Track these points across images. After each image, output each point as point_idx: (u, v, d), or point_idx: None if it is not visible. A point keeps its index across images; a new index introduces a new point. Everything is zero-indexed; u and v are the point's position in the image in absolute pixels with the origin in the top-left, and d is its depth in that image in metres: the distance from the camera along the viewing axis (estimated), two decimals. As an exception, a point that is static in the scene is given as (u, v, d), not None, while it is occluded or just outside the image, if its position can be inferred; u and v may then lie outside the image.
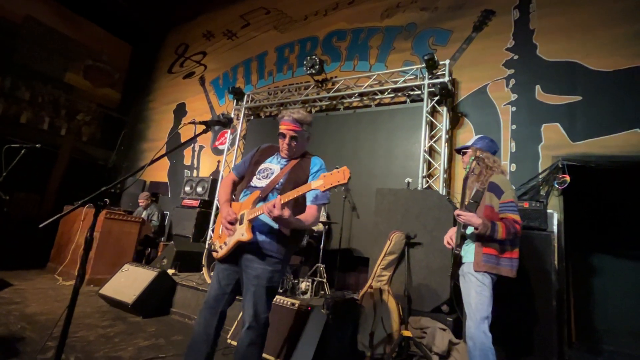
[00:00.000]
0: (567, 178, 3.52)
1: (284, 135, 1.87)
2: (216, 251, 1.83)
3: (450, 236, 2.25)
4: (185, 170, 7.04)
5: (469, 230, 2.11)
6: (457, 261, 2.12)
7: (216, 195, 5.60)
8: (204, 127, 1.88)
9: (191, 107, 7.55)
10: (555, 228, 3.39)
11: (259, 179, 1.88)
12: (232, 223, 1.75)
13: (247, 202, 1.78)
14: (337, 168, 1.56)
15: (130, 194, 6.72)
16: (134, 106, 8.57)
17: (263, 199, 1.77)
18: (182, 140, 7.28)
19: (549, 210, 3.33)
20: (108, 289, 3.48)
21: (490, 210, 2.02)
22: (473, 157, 2.15)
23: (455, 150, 2.54)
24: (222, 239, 1.82)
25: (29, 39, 7.21)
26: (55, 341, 2.42)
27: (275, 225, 1.76)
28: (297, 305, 2.71)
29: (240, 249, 1.75)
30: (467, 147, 2.34)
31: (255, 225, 1.75)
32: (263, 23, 6.88)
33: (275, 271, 1.77)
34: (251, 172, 1.93)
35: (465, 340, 2.01)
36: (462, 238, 2.14)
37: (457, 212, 2.04)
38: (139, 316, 3.27)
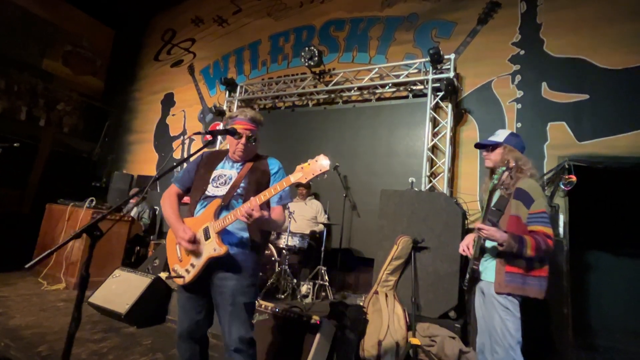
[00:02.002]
0: (574, 179, 3.45)
1: (239, 135, 1.71)
2: (182, 277, 1.62)
3: (467, 244, 2.00)
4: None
5: (490, 243, 1.87)
6: (475, 277, 1.91)
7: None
8: (209, 136, 1.66)
9: (180, 98, 7.21)
10: (561, 230, 3.35)
11: (217, 187, 1.72)
12: (192, 242, 1.58)
13: (207, 213, 1.63)
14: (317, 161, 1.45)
15: (117, 190, 6.42)
16: (119, 95, 8.13)
17: (226, 207, 1.64)
18: (171, 133, 7.04)
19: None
20: (98, 297, 3.28)
21: (516, 222, 1.80)
22: (504, 168, 1.83)
23: (477, 146, 2.16)
24: (184, 262, 1.64)
25: (1, 23, 6.68)
26: (43, 362, 2.24)
27: (246, 234, 1.67)
28: (303, 316, 2.58)
29: (209, 267, 1.59)
30: (497, 143, 1.97)
31: (224, 237, 1.61)
32: (256, 9, 6.55)
33: (251, 284, 1.67)
34: (202, 181, 1.76)
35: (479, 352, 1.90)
36: (481, 251, 1.89)
37: (478, 224, 1.81)
38: (132, 326, 3.09)
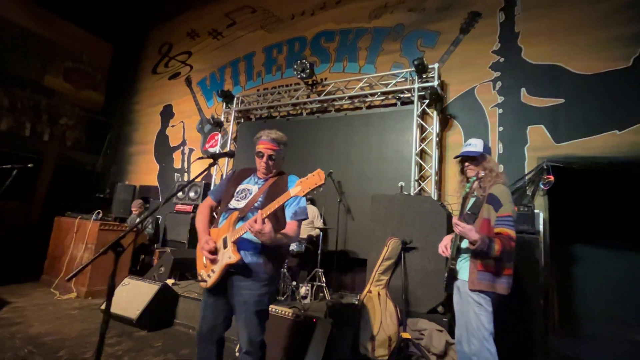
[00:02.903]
0: (552, 179, 3.70)
1: (262, 155, 1.91)
2: (205, 281, 1.81)
3: (445, 245, 2.22)
4: (176, 174, 6.99)
5: (464, 243, 2.07)
6: (452, 275, 2.12)
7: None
8: (211, 160, 1.89)
9: (178, 109, 7.44)
10: (541, 227, 3.59)
11: (238, 200, 1.89)
12: (212, 252, 1.76)
13: (227, 224, 1.80)
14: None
15: (121, 200, 6.64)
16: (119, 108, 8.37)
17: (242, 218, 1.79)
18: (171, 144, 7.26)
19: (535, 210, 3.52)
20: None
21: (487, 224, 1.99)
22: (474, 178, 2.05)
23: (462, 154, 2.23)
24: (207, 268, 1.82)
25: (3, 42, 6.91)
26: (67, 365, 2.47)
27: (260, 243, 1.77)
28: (301, 316, 2.81)
29: (227, 273, 1.77)
30: (477, 153, 2.14)
31: (240, 246, 1.76)
32: (249, 22, 6.79)
33: (264, 293, 1.80)
34: (229, 194, 1.95)
35: (461, 350, 2.11)
36: (458, 251, 2.11)
37: (455, 220, 1.98)
38: (143, 330, 3.32)
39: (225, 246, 1.75)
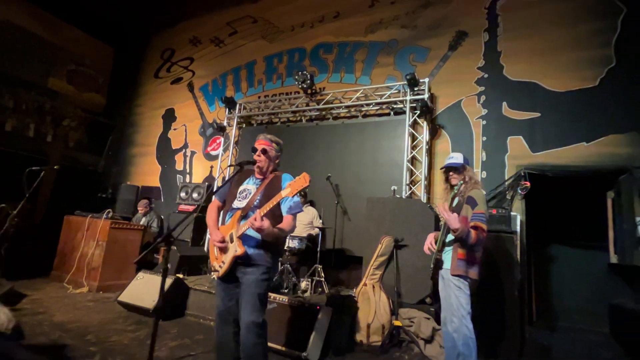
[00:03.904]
0: (528, 185, 4.13)
1: (255, 150, 2.24)
2: (217, 271, 2.12)
3: (430, 242, 2.64)
4: (178, 176, 7.26)
5: (449, 238, 2.48)
6: (438, 265, 2.52)
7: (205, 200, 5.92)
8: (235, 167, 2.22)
9: (180, 113, 7.72)
10: (518, 228, 4.00)
11: (240, 200, 2.17)
12: (221, 242, 2.07)
13: (232, 222, 2.09)
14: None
15: (124, 200, 6.88)
16: (121, 111, 8.61)
17: (244, 216, 2.07)
18: (173, 146, 7.52)
19: (512, 213, 3.94)
20: (127, 296, 3.79)
21: (465, 220, 2.40)
22: (462, 182, 2.46)
23: (447, 165, 2.66)
24: (219, 259, 2.12)
25: (8, 45, 7.11)
26: (97, 346, 2.78)
27: (260, 237, 2.06)
28: (305, 304, 3.15)
29: (236, 263, 2.07)
30: (459, 164, 2.56)
31: (245, 240, 2.05)
32: (250, 32, 7.13)
33: (265, 279, 2.09)
34: (232, 195, 2.23)
35: (445, 331, 2.49)
36: (443, 244, 2.51)
37: (441, 208, 2.35)
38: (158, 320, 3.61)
39: (232, 241, 2.08)
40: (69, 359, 2.50)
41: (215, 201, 2.37)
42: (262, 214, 1.94)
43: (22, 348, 1.54)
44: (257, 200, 2.15)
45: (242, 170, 2.27)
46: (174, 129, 7.65)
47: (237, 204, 2.20)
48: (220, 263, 2.14)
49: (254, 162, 2.23)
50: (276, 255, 2.28)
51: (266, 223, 1.91)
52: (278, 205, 2.11)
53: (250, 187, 2.25)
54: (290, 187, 1.92)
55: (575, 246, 5.05)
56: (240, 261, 2.08)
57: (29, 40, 7.41)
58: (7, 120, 7.02)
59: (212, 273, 2.18)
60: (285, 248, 4.25)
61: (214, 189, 5.31)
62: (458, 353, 2.34)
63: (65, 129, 7.93)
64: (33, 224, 6.89)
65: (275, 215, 2.10)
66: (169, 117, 7.85)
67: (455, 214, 2.31)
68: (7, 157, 6.84)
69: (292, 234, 4.35)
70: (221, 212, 2.32)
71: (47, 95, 7.67)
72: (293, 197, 2.09)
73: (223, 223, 2.22)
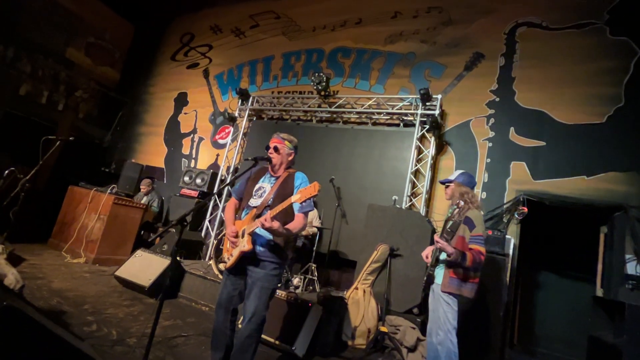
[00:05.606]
0: (525, 210, 4.23)
1: (268, 147, 2.33)
2: (225, 262, 2.22)
3: (427, 254, 2.74)
4: (183, 159, 7.34)
5: (443, 255, 2.59)
6: (430, 280, 2.61)
7: (215, 189, 6.01)
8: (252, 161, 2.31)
9: (193, 98, 7.80)
10: (511, 251, 4.11)
11: (255, 199, 2.25)
12: (234, 236, 2.15)
13: (247, 219, 2.18)
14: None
15: (127, 177, 6.94)
16: (134, 88, 8.66)
17: (258, 215, 2.14)
18: (182, 130, 7.60)
19: (507, 236, 4.05)
20: (124, 272, 3.88)
21: (462, 241, 2.50)
22: (455, 206, 2.57)
23: (439, 182, 2.94)
24: (229, 252, 2.21)
25: (32, 11, 7.17)
26: (93, 316, 2.86)
27: (271, 237, 2.12)
28: (298, 300, 3.25)
29: (244, 258, 2.12)
30: (450, 181, 2.76)
31: (255, 237, 2.13)
32: (272, 27, 7.21)
33: (274, 275, 2.16)
34: (248, 193, 2.31)
35: (430, 342, 2.58)
36: (437, 261, 2.62)
37: (437, 237, 2.51)
38: (152, 298, 3.70)
39: (243, 236, 2.16)
40: (68, 325, 2.59)
41: (232, 200, 2.45)
42: (272, 215, 2.00)
43: (33, 307, 1.63)
44: (270, 200, 2.19)
45: (257, 164, 2.35)
46: (185, 113, 7.73)
47: (252, 202, 2.27)
48: (229, 255, 2.23)
49: (268, 159, 2.31)
50: (286, 254, 2.31)
51: (276, 224, 1.97)
52: (291, 204, 2.15)
53: (265, 185, 2.31)
54: (300, 194, 1.97)
55: (564, 275, 5.16)
56: (249, 257, 2.15)
57: (54, 8, 7.47)
58: (22, 84, 7.08)
59: (221, 264, 2.26)
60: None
61: (228, 181, 5.45)
62: (439, 365, 2.44)
63: (77, 99, 7.99)
64: (35, 190, 6.95)
65: (287, 213, 2.15)
66: (181, 100, 7.92)
67: (447, 243, 2.42)
68: (18, 121, 6.91)
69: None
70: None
71: (64, 64, 7.73)
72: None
73: (240, 218, 2.30)
